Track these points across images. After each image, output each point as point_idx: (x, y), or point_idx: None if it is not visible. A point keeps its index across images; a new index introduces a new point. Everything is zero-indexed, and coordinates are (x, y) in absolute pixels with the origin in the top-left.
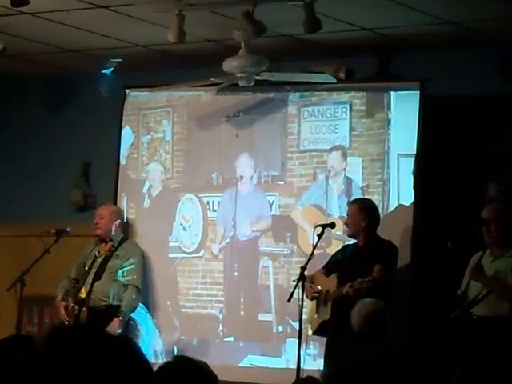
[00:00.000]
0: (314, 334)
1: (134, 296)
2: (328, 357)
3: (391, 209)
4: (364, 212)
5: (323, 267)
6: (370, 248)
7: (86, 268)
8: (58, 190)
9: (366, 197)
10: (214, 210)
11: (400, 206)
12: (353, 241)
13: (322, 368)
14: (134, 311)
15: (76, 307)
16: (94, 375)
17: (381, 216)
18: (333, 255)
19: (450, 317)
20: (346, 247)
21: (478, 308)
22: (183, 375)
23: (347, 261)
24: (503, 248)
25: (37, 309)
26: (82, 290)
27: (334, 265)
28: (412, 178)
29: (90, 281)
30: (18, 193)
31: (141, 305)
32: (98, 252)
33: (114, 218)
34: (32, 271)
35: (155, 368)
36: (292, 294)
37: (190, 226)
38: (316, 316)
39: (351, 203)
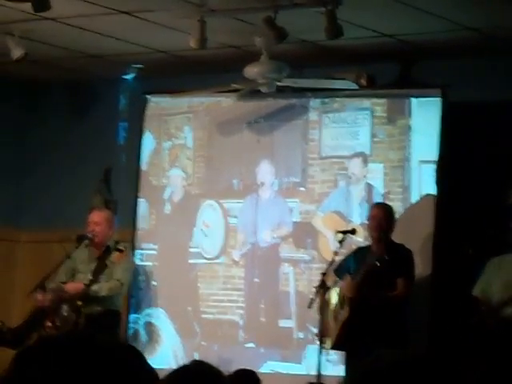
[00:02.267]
0: (332, 348)
1: (111, 285)
2: (349, 364)
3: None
4: (392, 217)
5: (334, 271)
6: (391, 259)
7: (80, 274)
8: (80, 195)
9: (387, 203)
10: (235, 216)
11: (421, 210)
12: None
13: (341, 374)
14: (101, 295)
15: (73, 314)
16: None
17: (401, 221)
18: (344, 259)
19: (468, 323)
20: (359, 251)
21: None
22: (196, 379)
23: (369, 272)
24: None
25: (52, 322)
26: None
27: (346, 270)
28: (434, 185)
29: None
30: (41, 199)
31: (161, 310)
32: (109, 261)
33: (110, 223)
34: (53, 277)
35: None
36: (313, 300)
37: (210, 232)
38: (334, 325)
39: (379, 206)
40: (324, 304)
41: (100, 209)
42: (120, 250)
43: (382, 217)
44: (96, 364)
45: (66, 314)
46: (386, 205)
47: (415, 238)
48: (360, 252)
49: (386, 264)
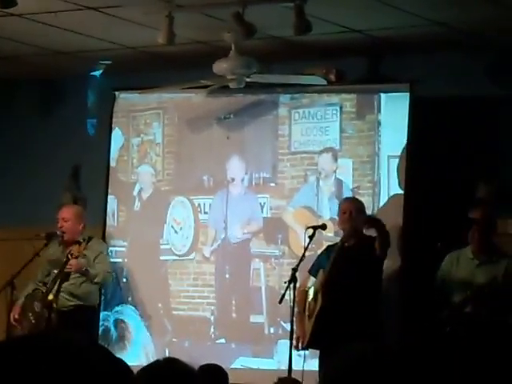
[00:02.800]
0: (307, 346)
1: (106, 275)
2: (323, 359)
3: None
4: (362, 210)
5: (308, 271)
6: (360, 247)
7: (55, 271)
8: (51, 193)
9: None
10: (206, 213)
11: (390, 206)
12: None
13: (312, 369)
14: (96, 280)
15: (45, 311)
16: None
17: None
18: (317, 258)
19: (440, 318)
20: (330, 248)
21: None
22: (169, 376)
23: (338, 262)
24: (487, 252)
25: (25, 320)
26: (50, 293)
27: (319, 268)
28: (402, 180)
29: (58, 282)
30: (10, 196)
31: (132, 307)
32: (71, 254)
33: (79, 219)
34: (22, 274)
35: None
36: (283, 295)
37: (181, 229)
38: (308, 324)
39: (349, 200)
40: (295, 300)
41: (68, 205)
42: (78, 243)
43: (353, 210)
44: (59, 366)
45: (38, 310)
46: (356, 199)
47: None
48: (331, 250)
49: (353, 252)
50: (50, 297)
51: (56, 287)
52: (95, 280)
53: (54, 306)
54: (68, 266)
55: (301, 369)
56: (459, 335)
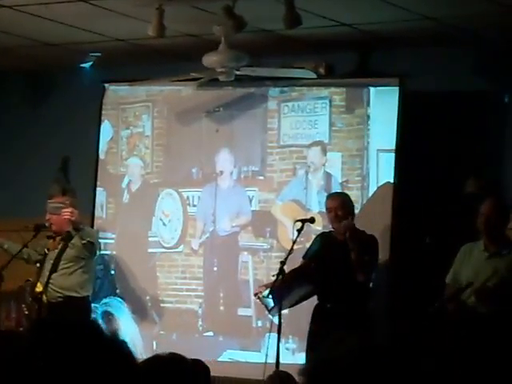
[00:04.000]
0: (270, 291)
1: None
2: (310, 349)
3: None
4: (348, 204)
5: (303, 257)
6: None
7: (38, 264)
8: (38, 184)
9: (346, 191)
10: (194, 205)
11: (379, 200)
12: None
13: (300, 362)
14: (92, 239)
15: (34, 303)
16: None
17: (360, 210)
18: (311, 245)
19: (428, 310)
20: (322, 237)
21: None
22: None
23: (331, 256)
24: (497, 244)
25: (15, 304)
26: (38, 285)
27: (314, 256)
28: (392, 174)
29: (47, 274)
30: (0, 188)
31: (119, 299)
32: (48, 249)
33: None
34: (10, 266)
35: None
36: (272, 288)
37: (169, 221)
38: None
39: (333, 197)
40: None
41: (57, 196)
42: (69, 234)
43: (338, 206)
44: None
45: (29, 301)
46: (340, 194)
47: (373, 226)
48: (323, 237)
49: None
50: (39, 288)
51: (45, 279)
52: (88, 239)
53: (44, 297)
54: (64, 213)
55: (288, 362)
56: (445, 328)
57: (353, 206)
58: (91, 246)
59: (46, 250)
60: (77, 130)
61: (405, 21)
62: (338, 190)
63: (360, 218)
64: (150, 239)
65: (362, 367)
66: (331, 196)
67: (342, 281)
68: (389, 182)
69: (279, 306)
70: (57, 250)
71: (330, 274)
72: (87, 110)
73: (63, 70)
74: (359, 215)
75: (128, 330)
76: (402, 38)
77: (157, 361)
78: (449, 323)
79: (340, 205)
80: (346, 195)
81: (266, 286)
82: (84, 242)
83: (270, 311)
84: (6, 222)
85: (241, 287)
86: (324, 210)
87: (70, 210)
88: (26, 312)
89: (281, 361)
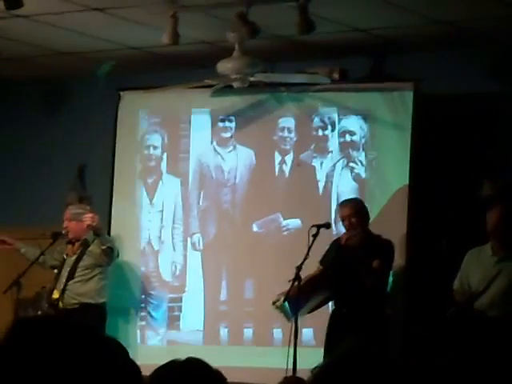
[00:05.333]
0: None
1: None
2: (327, 353)
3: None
4: (361, 210)
5: (319, 263)
6: (369, 245)
7: (56, 270)
8: (55, 192)
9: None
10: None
11: (395, 203)
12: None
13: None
14: (112, 245)
15: (51, 309)
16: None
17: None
18: (326, 252)
19: (446, 315)
20: (337, 243)
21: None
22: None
23: (346, 262)
24: (506, 248)
25: (33, 311)
26: (55, 292)
27: (330, 263)
28: (408, 177)
29: (64, 281)
30: (15, 196)
31: None
32: (67, 254)
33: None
34: (28, 274)
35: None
36: (288, 292)
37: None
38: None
39: (345, 205)
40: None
41: (74, 205)
42: (86, 241)
43: (350, 214)
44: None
45: (44, 309)
46: (351, 200)
47: (389, 229)
48: (338, 243)
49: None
50: (56, 295)
51: (62, 286)
52: (108, 245)
53: (60, 304)
54: (85, 218)
55: (305, 367)
56: (463, 333)
57: (366, 210)
58: (111, 252)
59: (64, 256)
60: (92, 138)
61: (418, 25)
62: (345, 199)
63: (376, 219)
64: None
65: (362, 370)
66: (343, 204)
67: (356, 286)
68: (404, 185)
69: (296, 313)
70: (74, 257)
71: (345, 279)
72: (102, 117)
73: (78, 78)
74: (376, 218)
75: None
76: (416, 42)
77: (173, 367)
78: (465, 328)
79: (353, 212)
80: (358, 201)
81: (284, 294)
82: (104, 247)
83: (289, 319)
84: (24, 230)
85: None
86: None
87: (91, 215)
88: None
89: (298, 367)
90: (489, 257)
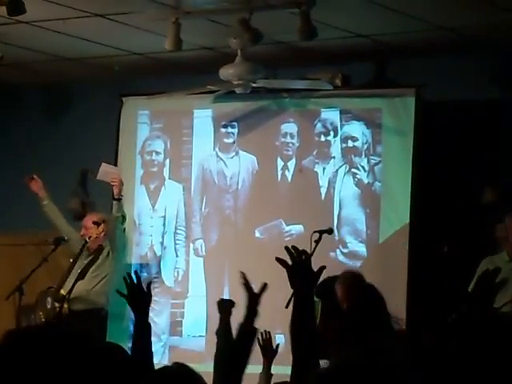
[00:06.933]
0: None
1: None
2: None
3: None
4: (355, 287)
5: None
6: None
7: (71, 260)
8: (57, 198)
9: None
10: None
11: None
12: None
13: None
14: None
15: (57, 305)
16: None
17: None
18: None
19: (448, 321)
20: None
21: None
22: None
23: None
24: None
25: (34, 318)
26: (62, 291)
27: None
28: (409, 184)
29: (73, 281)
30: (17, 201)
31: None
32: (86, 240)
33: (103, 226)
34: (30, 280)
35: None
36: (290, 300)
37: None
38: None
39: (341, 283)
40: None
41: (92, 213)
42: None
43: (345, 293)
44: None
45: (49, 306)
46: (346, 279)
47: (391, 235)
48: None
49: None
50: (63, 291)
51: (71, 285)
52: (122, 213)
53: (65, 304)
54: (112, 181)
55: None
56: (465, 339)
57: (363, 286)
58: (123, 221)
59: (87, 239)
60: (94, 143)
61: (420, 31)
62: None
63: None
64: None
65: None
66: (340, 281)
67: None
68: (406, 191)
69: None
70: (89, 258)
71: None
72: (105, 123)
73: (81, 84)
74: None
75: None
76: (418, 48)
77: (165, 373)
78: (476, 331)
79: (346, 292)
80: (353, 277)
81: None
82: (118, 215)
83: None
84: (25, 236)
85: None
86: None
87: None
88: (43, 319)
89: None
90: (506, 262)
